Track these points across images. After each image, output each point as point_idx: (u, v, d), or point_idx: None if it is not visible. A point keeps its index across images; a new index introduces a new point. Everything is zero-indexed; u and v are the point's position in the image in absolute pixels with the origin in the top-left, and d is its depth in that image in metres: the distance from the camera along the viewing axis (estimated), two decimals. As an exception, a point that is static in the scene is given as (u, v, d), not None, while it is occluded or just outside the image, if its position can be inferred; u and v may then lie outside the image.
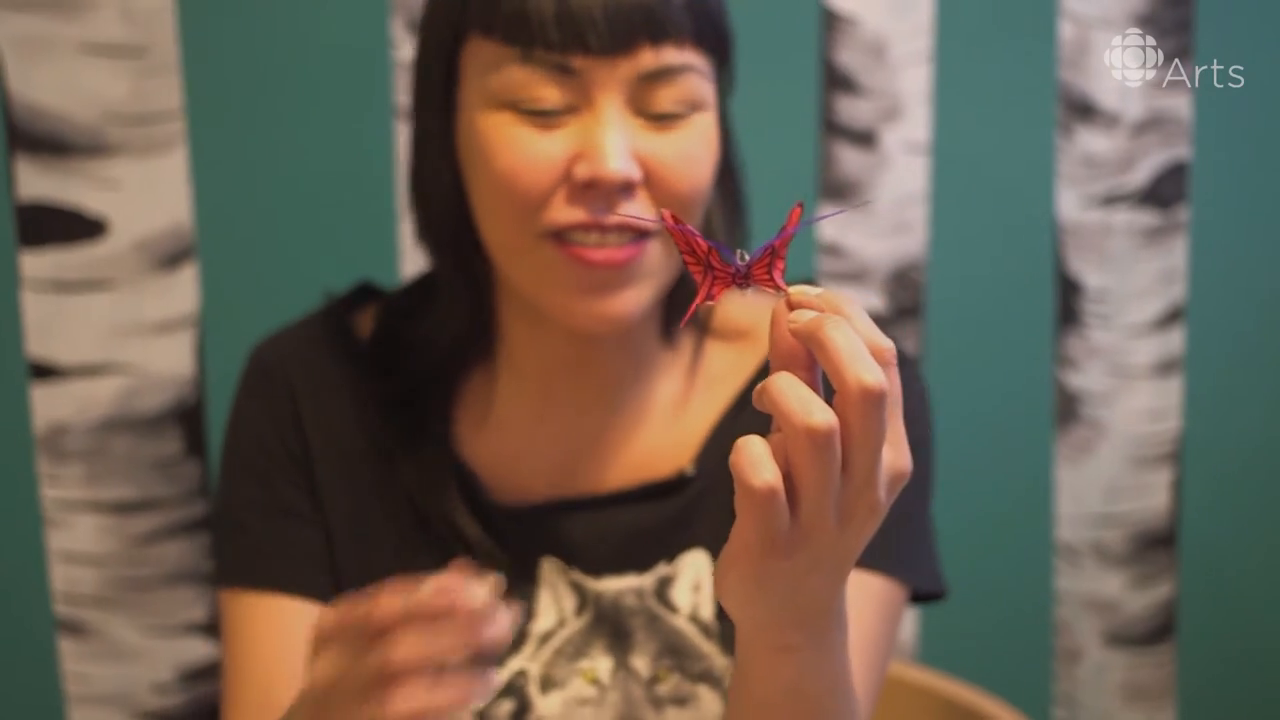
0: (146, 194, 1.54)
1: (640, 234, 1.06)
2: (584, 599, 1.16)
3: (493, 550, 1.15)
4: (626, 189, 1.04)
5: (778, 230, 0.79)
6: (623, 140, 1.03)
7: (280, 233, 1.58)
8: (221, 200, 1.56)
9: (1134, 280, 1.80)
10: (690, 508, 1.16)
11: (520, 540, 1.16)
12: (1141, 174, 1.77)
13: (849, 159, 1.70)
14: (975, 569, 1.77)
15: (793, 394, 0.73)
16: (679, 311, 1.17)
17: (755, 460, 0.74)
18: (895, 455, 0.78)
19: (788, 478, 0.75)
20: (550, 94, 1.04)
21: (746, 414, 1.16)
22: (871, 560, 1.11)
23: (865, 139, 1.70)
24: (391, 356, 1.19)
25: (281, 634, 1.15)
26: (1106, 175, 1.76)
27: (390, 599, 0.78)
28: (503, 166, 1.05)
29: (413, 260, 1.61)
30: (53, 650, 1.60)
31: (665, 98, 1.05)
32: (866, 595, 1.12)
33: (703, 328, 1.20)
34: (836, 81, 1.68)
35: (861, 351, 0.73)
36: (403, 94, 1.57)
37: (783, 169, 1.69)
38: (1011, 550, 1.82)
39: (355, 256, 1.53)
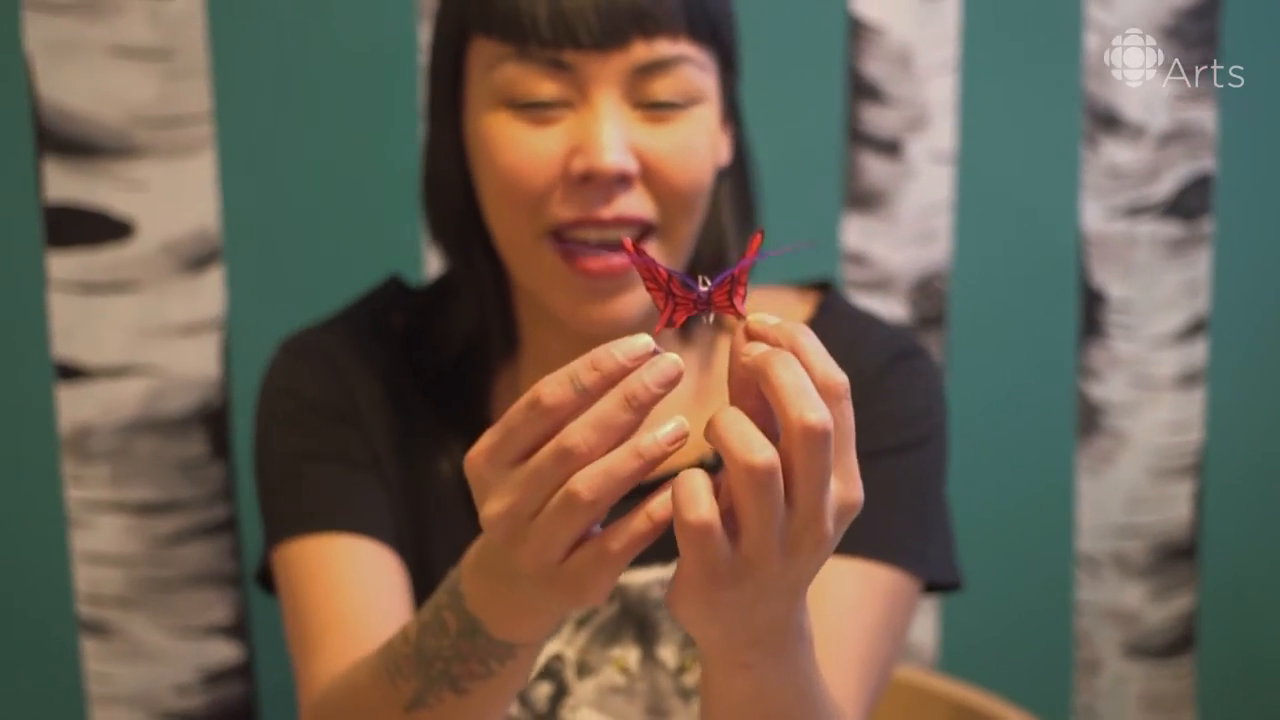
0: (173, 196, 1.54)
1: (639, 231, 1.07)
2: (613, 589, 1.17)
3: None
4: (623, 181, 1.06)
5: (743, 256, 0.80)
6: (618, 133, 1.05)
7: (306, 236, 1.58)
8: (248, 203, 1.56)
9: (1157, 291, 1.80)
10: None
11: None
12: (1166, 185, 1.77)
13: (874, 168, 1.70)
14: (996, 578, 1.77)
15: (735, 430, 0.74)
16: None
17: (692, 495, 0.74)
18: (846, 489, 0.77)
19: (731, 512, 0.75)
20: (546, 88, 1.05)
21: None
22: (878, 552, 1.12)
23: (890, 148, 1.70)
24: (422, 351, 1.21)
25: (355, 574, 1.14)
26: (1131, 186, 1.76)
27: (546, 388, 0.76)
28: (503, 164, 1.07)
29: (438, 264, 1.61)
30: (75, 650, 1.61)
31: (661, 89, 1.06)
32: (872, 587, 1.12)
33: (718, 325, 1.22)
34: (862, 91, 1.68)
35: (805, 388, 0.73)
36: (430, 99, 1.58)
37: (808, 178, 1.70)
38: (1032, 560, 1.82)
39: (381, 260, 1.53)
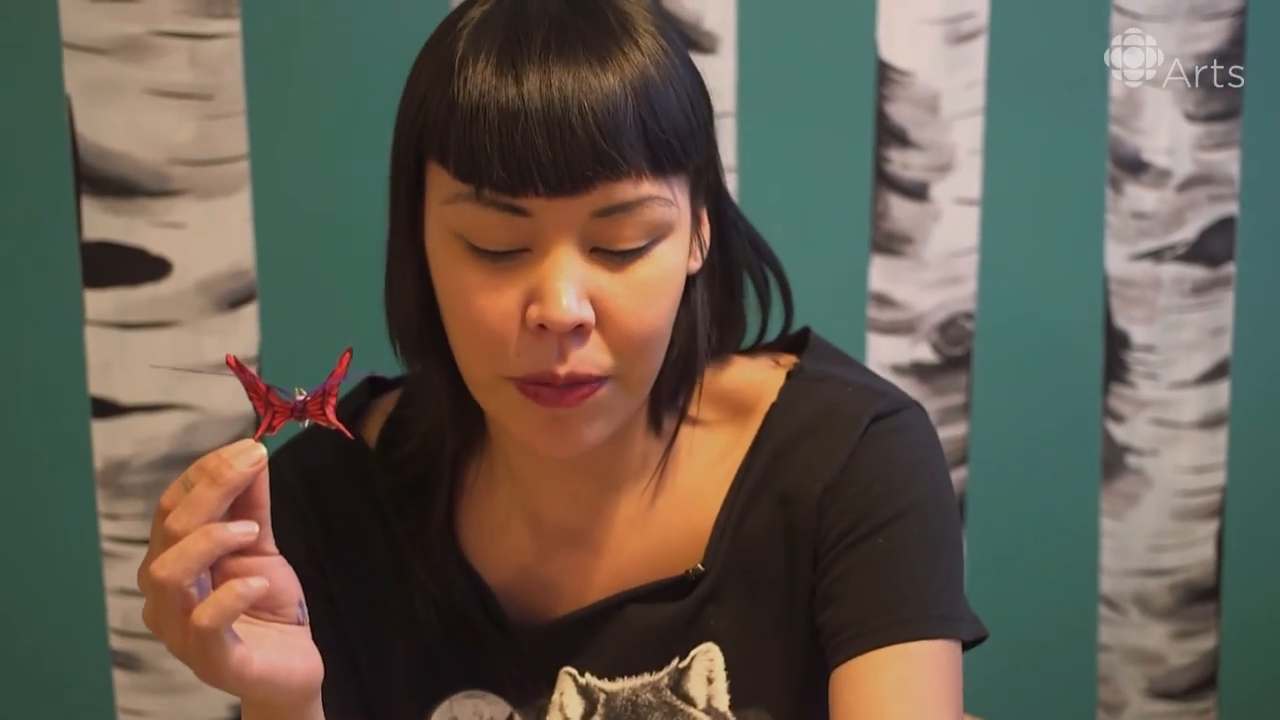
0: (209, 236, 1.56)
1: (595, 378, 1.03)
2: (593, 704, 1.14)
3: (509, 658, 1.15)
4: (578, 331, 1.01)
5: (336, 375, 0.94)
6: (573, 284, 0.99)
7: (339, 276, 1.60)
8: (283, 243, 1.58)
9: (1181, 335, 1.81)
10: (700, 603, 1.14)
11: (532, 649, 1.15)
12: (1190, 230, 1.78)
13: (901, 211, 1.71)
14: (1020, 618, 1.78)
15: None
16: (662, 406, 1.14)
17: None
18: None
19: None
20: (502, 234, 1.00)
21: (741, 504, 1.14)
22: (921, 630, 1.09)
23: (917, 191, 1.72)
24: (395, 452, 1.17)
25: None
26: (1155, 230, 1.78)
27: (165, 493, 0.90)
28: (462, 311, 1.03)
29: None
30: (108, 683, 1.62)
31: (621, 234, 1.01)
32: (929, 663, 1.10)
33: (681, 416, 1.16)
34: (890, 135, 1.69)
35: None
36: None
37: (836, 221, 1.71)
38: (1056, 600, 1.83)
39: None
